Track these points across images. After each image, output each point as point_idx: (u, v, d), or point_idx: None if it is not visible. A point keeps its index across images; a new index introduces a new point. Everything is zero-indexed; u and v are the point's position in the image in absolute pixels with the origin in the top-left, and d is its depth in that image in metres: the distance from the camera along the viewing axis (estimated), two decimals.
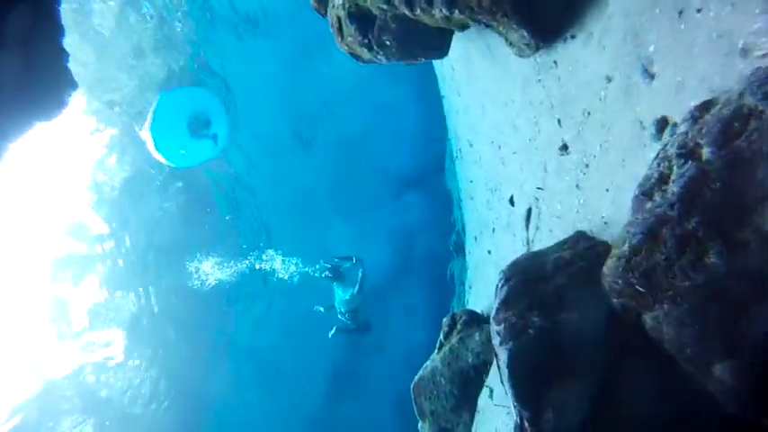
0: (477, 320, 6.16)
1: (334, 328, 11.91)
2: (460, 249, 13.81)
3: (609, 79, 2.34)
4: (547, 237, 3.62)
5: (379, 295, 15.53)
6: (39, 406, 15.24)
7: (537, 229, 3.94)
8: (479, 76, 5.01)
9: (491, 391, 5.77)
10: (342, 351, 16.49)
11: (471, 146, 7.12)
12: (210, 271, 16.32)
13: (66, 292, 15.78)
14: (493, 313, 2.09)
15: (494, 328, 2.01)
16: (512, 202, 4.69)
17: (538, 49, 2.95)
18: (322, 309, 11.15)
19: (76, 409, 16.34)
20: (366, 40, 3.58)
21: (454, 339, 6.09)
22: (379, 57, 3.69)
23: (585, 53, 2.62)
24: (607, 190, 2.45)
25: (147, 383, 16.86)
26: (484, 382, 5.86)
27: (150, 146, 11.80)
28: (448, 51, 3.88)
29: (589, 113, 2.64)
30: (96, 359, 16.55)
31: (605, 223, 2.42)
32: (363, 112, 17.00)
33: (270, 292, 17.14)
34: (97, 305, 16.37)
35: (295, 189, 16.37)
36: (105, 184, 15.65)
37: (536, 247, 4.00)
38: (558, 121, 3.10)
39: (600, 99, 2.49)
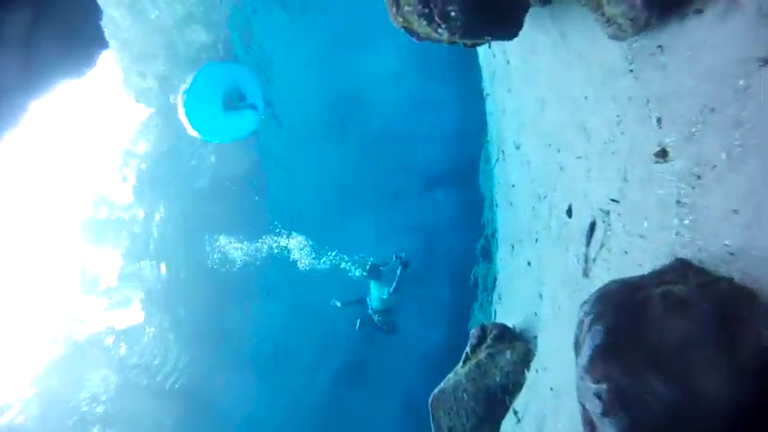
0: (509, 336, 5.56)
1: (358, 322, 11.35)
2: (488, 255, 13.13)
3: (765, 62, 1.71)
4: (618, 258, 3.00)
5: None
6: (64, 367, 15.18)
7: (602, 246, 3.32)
8: (543, 69, 4.38)
9: (516, 415, 5.18)
10: (354, 343, 16.03)
11: (518, 148, 6.49)
12: (233, 252, 16.07)
13: (89, 257, 15.71)
14: (584, 362, 1.51)
15: (588, 384, 1.44)
16: (569, 212, 4.06)
17: (645, 27, 2.33)
18: (339, 304, 10.58)
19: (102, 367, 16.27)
20: (427, 10, 3.01)
21: (482, 354, 5.50)
22: (439, 31, 3.11)
23: (719, 32, 1.99)
24: (736, 211, 1.83)
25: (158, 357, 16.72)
26: (510, 404, 5.28)
27: (182, 117, 11.51)
28: (518, 32, 3.27)
29: (713, 110, 2.01)
30: (118, 325, 16.48)
31: (731, 254, 1.80)
32: (400, 105, 16.42)
33: (291, 278, 16.69)
34: (119, 274, 16.26)
35: (324, 175, 15.93)
36: (137, 155, 15.49)
37: (598, 269, 3.39)
38: (658, 120, 2.47)
39: (736, 90, 1.86)
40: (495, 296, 8.13)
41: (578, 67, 3.53)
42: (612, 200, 3.08)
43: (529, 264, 5.86)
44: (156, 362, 16.61)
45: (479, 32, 3.13)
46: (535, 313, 5.38)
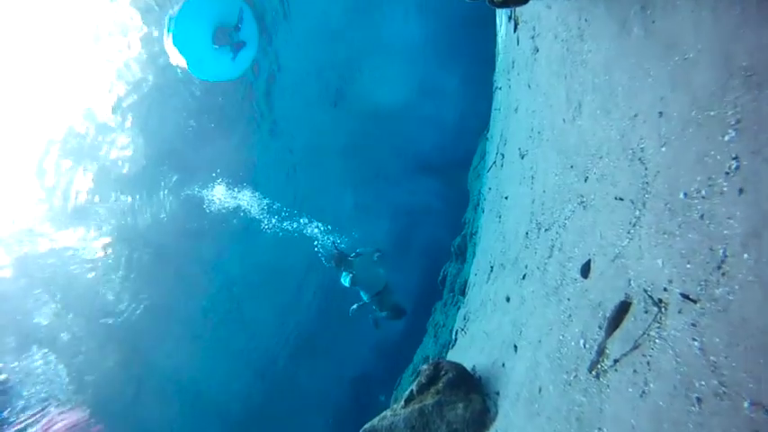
0: (465, 384, 4.28)
1: (372, 320, 8.79)
2: (462, 254, 11.89)
3: None
4: (663, 381, 1.66)
5: None
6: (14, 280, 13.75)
7: (635, 348, 1.98)
8: (593, 62, 2.95)
9: None
10: (312, 317, 14.85)
11: (523, 157, 5.08)
12: (214, 198, 14.66)
13: (66, 173, 14.10)
14: None
15: None
16: (585, 271, 2.71)
17: None
18: (356, 306, 8.34)
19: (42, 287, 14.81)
20: None
21: (429, 399, 4.22)
22: None
23: None
24: None
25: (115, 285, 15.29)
26: None
27: (168, 44, 9.89)
28: None
29: None
30: (77, 249, 15.00)
31: None
32: (404, 83, 14.82)
33: (263, 237, 15.23)
34: (92, 201, 14.72)
35: (311, 140, 14.35)
36: (129, 83, 13.76)
37: (620, 377, 2.06)
38: None
39: None
40: (462, 313, 6.85)
41: (661, 64, 2.11)
42: (685, 296, 1.72)
43: (508, 299, 4.54)
44: (110, 297, 15.21)
45: None
46: (503, 364, 4.09)
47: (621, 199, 2.46)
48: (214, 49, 10.42)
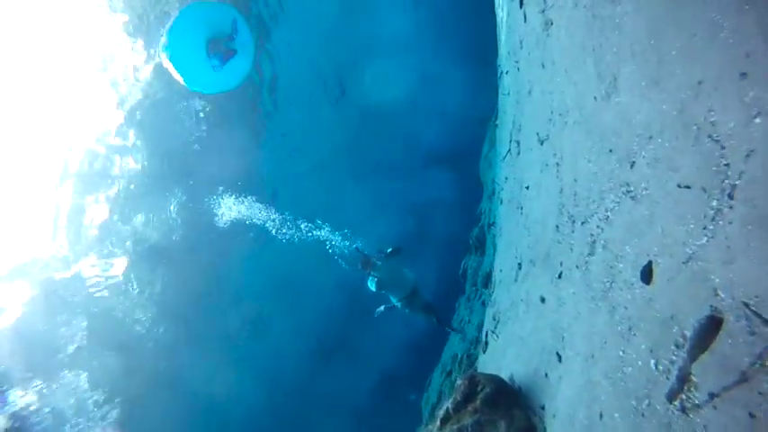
0: (505, 398, 3.82)
1: (382, 308, 7.86)
2: (481, 246, 11.38)
3: None
4: None
5: None
6: (40, 306, 13.68)
7: (742, 381, 1.50)
8: (631, 27, 2.45)
9: None
10: (333, 318, 14.46)
11: (543, 143, 4.58)
12: (223, 208, 14.33)
13: (76, 199, 14.02)
14: None
15: None
16: (646, 275, 2.22)
17: None
18: (382, 308, 7.68)
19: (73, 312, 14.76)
20: None
21: (468, 419, 3.77)
22: None
23: None
24: None
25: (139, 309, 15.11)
26: None
27: (164, 59, 9.57)
28: None
29: None
30: (99, 276, 14.92)
31: None
32: (405, 75, 14.30)
33: (278, 244, 14.84)
34: (106, 222, 14.58)
35: (315, 139, 13.91)
36: (133, 97, 13.58)
37: (716, 415, 1.58)
38: None
39: None
40: (491, 313, 6.37)
41: (745, 8, 1.61)
42: None
43: (542, 300, 4.06)
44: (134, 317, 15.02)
45: None
46: (545, 374, 3.62)
47: (688, 187, 1.97)
48: (209, 61, 10.05)
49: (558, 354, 3.45)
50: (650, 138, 2.29)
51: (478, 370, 5.46)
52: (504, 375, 4.07)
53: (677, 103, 2.04)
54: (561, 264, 3.57)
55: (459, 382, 4.02)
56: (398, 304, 7.32)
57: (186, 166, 14.23)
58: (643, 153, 2.37)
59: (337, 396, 14.46)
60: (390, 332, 13.90)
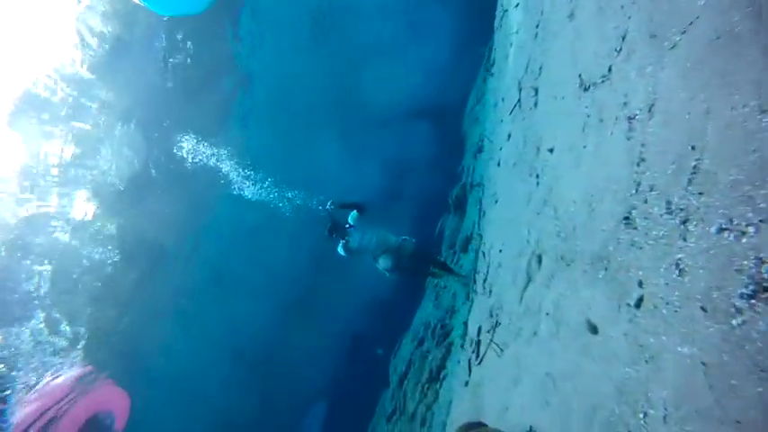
0: None
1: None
2: (460, 207, 9.91)
3: None
4: None
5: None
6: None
7: None
8: None
9: None
10: (306, 271, 12.99)
11: (587, 89, 2.92)
12: (194, 153, 12.34)
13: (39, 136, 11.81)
14: None
15: None
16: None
17: None
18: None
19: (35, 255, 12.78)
20: None
21: None
22: None
23: None
24: None
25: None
26: None
27: None
28: None
29: None
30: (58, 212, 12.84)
31: None
32: (392, 20, 12.11)
33: (246, 197, 13.06)
34: (68, 161, 12.42)
35: (292, 86, 11.79)
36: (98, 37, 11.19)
37: None
38: None
39: None
40: (485, 305, 4.91)
41: None
42: None
43: (595, 331, 2.59)
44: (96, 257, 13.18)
45: None
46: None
47: None
48: None
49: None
50: None
51: (468, 384, 3.92)
52: (518, 421, 2.65)
53: None
54: (641, 284, 2.04)
55: None
56: (387, 271, 5.64)
57: (151, 110, 12.00)
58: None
59: (305, 349, 13.29)
60: (356, 291, 12.59)
